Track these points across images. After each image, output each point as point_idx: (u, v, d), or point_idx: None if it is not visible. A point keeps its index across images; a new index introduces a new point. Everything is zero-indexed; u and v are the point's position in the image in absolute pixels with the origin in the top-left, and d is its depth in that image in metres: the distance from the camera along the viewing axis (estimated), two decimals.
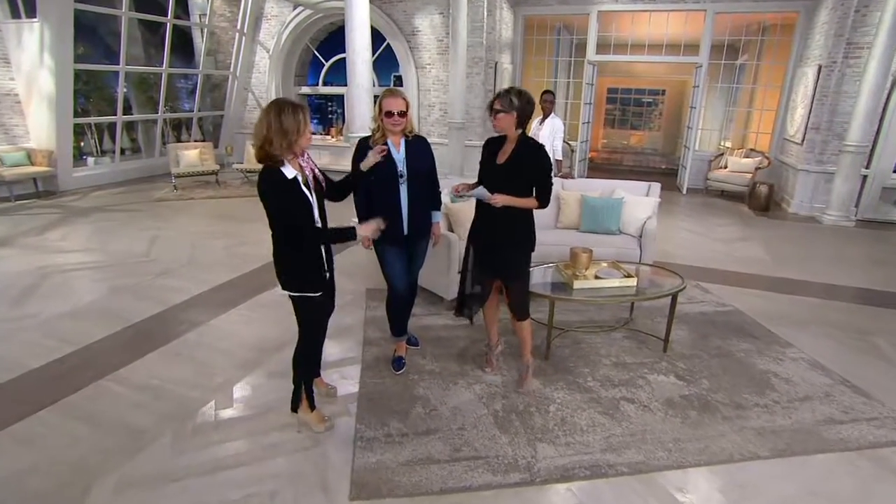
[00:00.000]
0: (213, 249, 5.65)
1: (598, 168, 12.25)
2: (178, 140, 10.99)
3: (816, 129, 7.63)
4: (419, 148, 3.07)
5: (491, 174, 2.88)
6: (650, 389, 3.16)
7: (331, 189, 2.63)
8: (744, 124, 10.45)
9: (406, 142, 3.02)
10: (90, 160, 9.53)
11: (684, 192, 9.29)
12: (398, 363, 3.36)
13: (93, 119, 10.10)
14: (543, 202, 2.86)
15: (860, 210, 7.57)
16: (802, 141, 7.85)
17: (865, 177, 7.44)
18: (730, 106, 11.08)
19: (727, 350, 3.64)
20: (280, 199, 2.34)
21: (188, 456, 2.54)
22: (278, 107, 2.27)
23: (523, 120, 2.77)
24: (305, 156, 2.48)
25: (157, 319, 3.98)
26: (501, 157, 2.86)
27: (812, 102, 7.62)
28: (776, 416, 2.92)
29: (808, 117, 7.69)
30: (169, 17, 9.54)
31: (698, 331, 3.91)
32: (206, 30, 10.96)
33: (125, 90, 9.84)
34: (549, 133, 5.36)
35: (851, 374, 3.35)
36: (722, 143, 10.93)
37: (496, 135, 2.95)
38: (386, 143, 2.92)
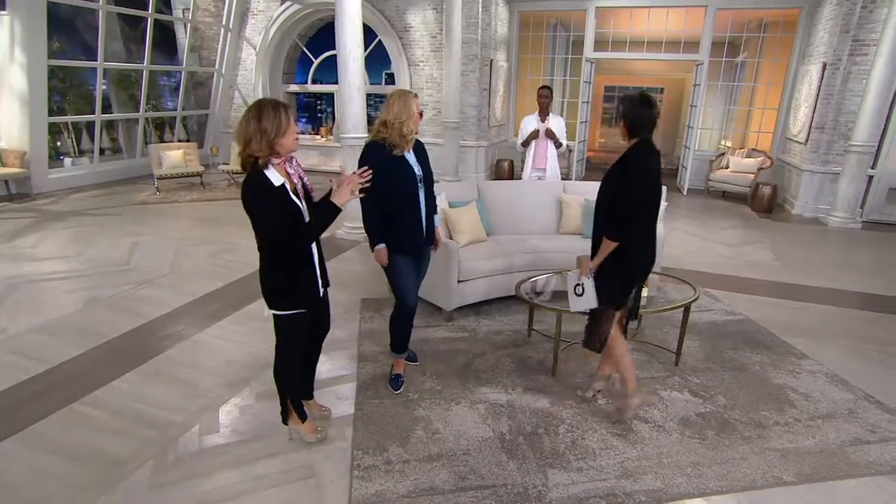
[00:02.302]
0: (198, 257, 5.39)
1: (596, 168, 12.09)
2: (161, 140, 10.65)
3: (821, 129, 7.52)
4: (424, 151, 2.99)
5: None
6: (664, 407, 2.99)
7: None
8: (744, 123, 10.35)
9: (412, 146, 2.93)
10: (67, 161, 9.19)
11: (685, 192, 9.16)
12: (396, 381, 3.15)
13: (69, 118, 9.74)
14: (609, 232, 2.55)
15: (866, 211, 7.47)
16: (806, 140, 7.73)
17: (871, 177, 7.34)
18: (730, 104, 10.98)
19: (741, 363, 3.48)
20: (267, 208, 2.14)
21: (169, 490, 2.32)
22: (258, 106, 2.13)
23: (636, 127, 2.53)
24: (294, 162, 2.29)
25: (136, 334, 3.73)
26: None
27: (816, 101, 7.51)
28: (798, 435, 2.76)
29: (813, 116, 7.58)
30: (150, 11, 9.21)
31: (709, 342, 3.75)
32: (189, 25, 10.63)
33: (104, 88, 9.49)
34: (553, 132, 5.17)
35: (874, 388, 3.20)
36: (722, 143, 10.84)
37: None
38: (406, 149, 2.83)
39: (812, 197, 7.74)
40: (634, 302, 2.84)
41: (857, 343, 3.81)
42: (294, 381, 2.58)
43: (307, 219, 2.27)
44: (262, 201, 2.13)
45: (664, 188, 4.71)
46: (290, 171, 2.26)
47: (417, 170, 2.87)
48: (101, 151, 9.58)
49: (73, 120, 9.73)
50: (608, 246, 2.57)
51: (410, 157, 2.87)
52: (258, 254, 2.31)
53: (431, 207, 3.00)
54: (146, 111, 10.03)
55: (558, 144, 5.25)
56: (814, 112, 7.56)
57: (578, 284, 2.71)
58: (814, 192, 7.72)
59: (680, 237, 6.30)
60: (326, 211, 2.25)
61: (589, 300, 2.69)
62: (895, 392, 3.17)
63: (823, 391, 3.17)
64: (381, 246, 2.85)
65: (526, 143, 5.35)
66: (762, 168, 8.43)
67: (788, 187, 8.35)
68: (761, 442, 2.70)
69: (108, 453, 2.53)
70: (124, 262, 5.20)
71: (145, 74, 9.59)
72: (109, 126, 10.38)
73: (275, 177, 2.15)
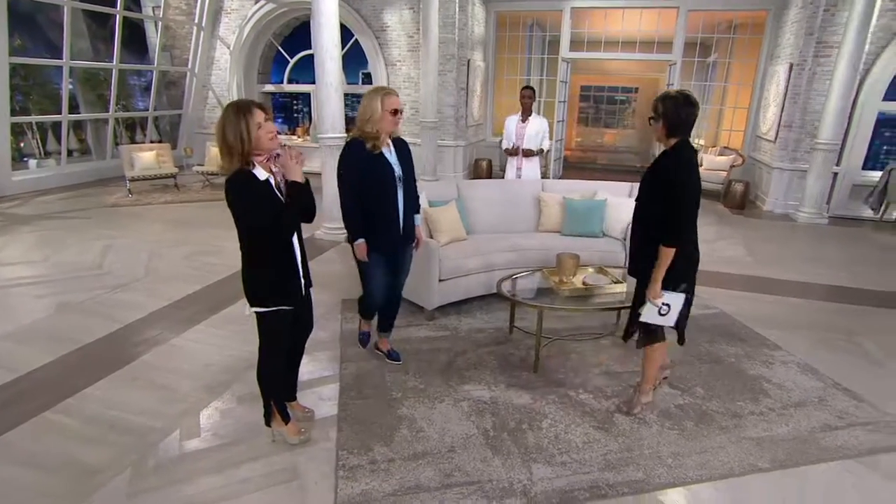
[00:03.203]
0: (174, 259, 5.27)
1: (573, 167, 12.26)
2: (133, 141, 10.40)
3: (789, 127, 7.76)
4: (406, 148, 3.01)
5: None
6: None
7: None
8: (716, 122, 10.61)
9: (393, 143, 2.95)
10: (32, 163, 8.89)
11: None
12: (363, 336, 3.50)
13: (34, 118, 9.42)
14: (666, 240, 2.47)
15: (832, 207, 7.73)
16: (775, 139, 7.97)
17: (836, 174, 7.60)
18: (703, 104, 11.22)
19: (717, 355, 3.57)
20: (250, 199, 2.13)
21: (150, 497, 2.27)
22: (222, 118, 2.10)
23: (677, 127, 2.49)
24: (280, 160, 2.27)
25: (111, 340, 3.63)
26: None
27: (784, 100, 7.74)
28: (772, 424, 2.85)
29: (781, 115, 7.82)
30: (118, 8, 8.96)
31: (686, 335, 3.82)
32: (160, 23, 10.38)
33: (71, 87, 9.20)
34: (535, 133, 5.22)
35: (841, 376, 3.32)
36: (696, 142, 11.09)
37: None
38: (379, 147, 2.86)
39: (782, 193, 7.98)
40: (685, 308, 2.72)
41: (825, 333, 3.94)
42: (277, 382, 2.55)
43: None
44: (246, 194, 2.12)
45: None
46: (275, 169, 2.24)
47: (397, 169, 2.89)
48: (69, 153, 9.29)
49: (38, 120, 9.41)
50: (667, 254, 2.48)
51: (391, 156, 2.89)
52: (239, 254, 2.29)
53: (411, 206, 3.02)
54: (116, 111, 9.76)
55: (539, 151, 5.30)
56: (782, 111, 7.80)
57: (665, 305, 2.60)
58: (783, 188, 7.96)
59: None
60: (293, 190, 2.21)
61: (675, 312, 2.64)
62: (861, 379, 3.30)
63: (795, 380, 3.28)
64: (361, 241, 2.90)
65: (509, 153, 5.38)
66: (734, 166, 8.66)
67: (759, 184, 8.59)
68: (738, 431, 2.77)
69: (82, 462, 2.46)
70: (96, 265, 5.06)
71: (115, 73, 9.32)
72: (77, 126, 10.07)
73: (259, 172, 2.15)
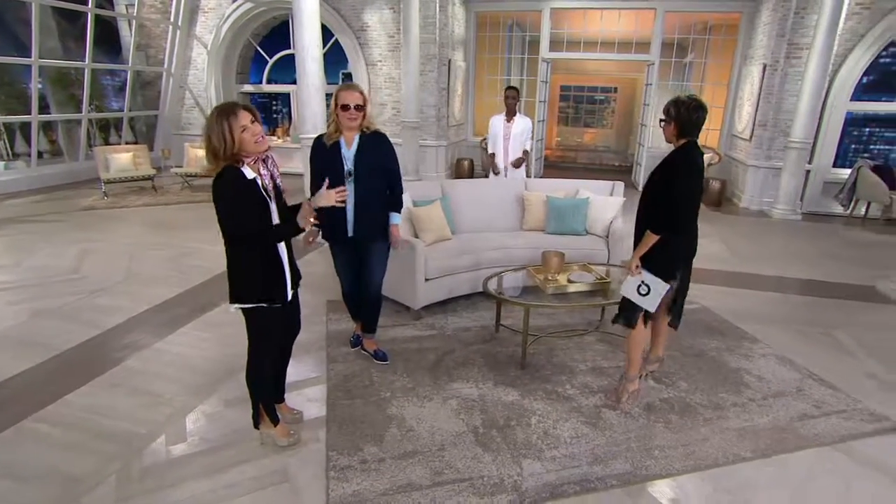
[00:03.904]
0: (154, 262, 5.17)
1: (554, 166, 12.38)
2: (107, 142, 10.16)
3: (763, 126, 7.97)
4: (375, 145, 2.95)
5: None
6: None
7: (285, 211, 2.37)
8: None
9: (360, 138, 2.91)
10: None
11: (639, 189, 9.47)
12: (355, 339, 3.52)
13: (1, 118, 9.12)
14: (654, 227, 2.66)
15: (805, 204, 7.97)
16: (750, 137, 8.18)
17: (809, 172, 7.84)
18: None
19: (699, 349, 3.65)
20: (236, 197, 2.12)
21: (137, 503, 2.23)
22: (208, 120, 2.11)
23: (687, 129, 2.65)
24: (270, 162, 2.28)
25: (90, 346, 3.55)
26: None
27: (758, 100, 7.95)
28: (753, 414, 2.93)
29: (755, 114, 8.03)
30: (90, 6, 8.74)
31: (669, 331, 3.91)
32: (134, 22, 10.16)
33: (40, 86, 8.94)
34: (520, 132, 5.26)
35: (817, 367, 3.43)
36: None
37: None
38: (338, 142, 2.90)
39: (757, 191, 8.19)
40: (678, 297, 2.93)
41: (801, 326, 4.06)
42: (267, 383, 2.54)
43: (275, 218, 2.27)
44: (231, 192, 2.11)
45: (622, 184, 4.92)
46: (263, 171, 2.23)
47: (349, 163, 2.89)
48: (40, 154, 9.03)
49: (5, 121, 9.13)
50: (650, 238, 2.68)
51: (347, 151, 2.90)
52: (223, 256, 2.26)
53: (379, 203, 3.03)
54: (89, 112, 9.52)
55: (524, 154, 5.35)
56: (756, 110, 8.01)
57: (642, 284, 2.75)
58: (759, 186, 8.17)
59: None
60: (289, 227, 2.26)
61: (656, 297, 2.75)
62: (835, 370, 3.41)
63: (774, 372, 3.37)
64: (310, 228, 2.94)
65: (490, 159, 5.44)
66: (711, 164, 8.84)
67: (736, 182, 8.80)
68: (721, 422, 2.85)
69: (64, 471, 2.40)
70: (72, 270, 4.93)
71: (87, 73, 9.09)
72: (47, 127, 9.80)
73: (247, 171, 2.15)
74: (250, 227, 2.16)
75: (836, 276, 5.27)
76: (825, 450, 2.66)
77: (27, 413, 2.79)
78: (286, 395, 2.83)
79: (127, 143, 9.71)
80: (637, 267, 2.77)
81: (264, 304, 2.30)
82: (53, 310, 4.06)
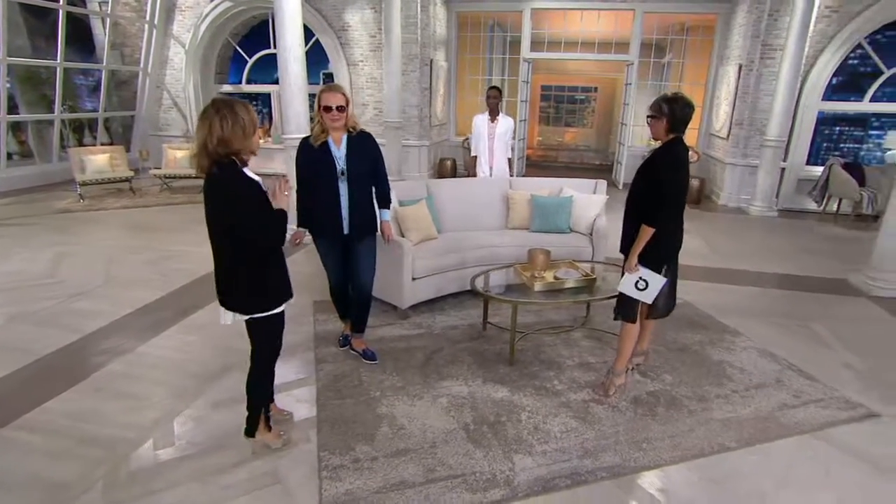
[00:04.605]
0: (135, 265, 5.07)
1: (535, 165, 12.47)
2: (81, 143, 9.90)
3: (740, 125, 8.16)
4: (362, 144, 3.02)
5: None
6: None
7: None
8: None
9: (348, 138, 2.98)
10: None
11: (620, 187, 9.61)
12: (343, 339, 3.53)
13: None
14: (649, 216, 2.73)
15: (780, 200, 8.19)
16: (728, 136, 8.37)
17: (784, 169, 8.06)
18: None
19: (683, 343, 3.73)
20: (253, 197, 2.10)
21: None
22: (229, 103, 2.08)
23: (677, 125, 2.75)
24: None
25: (71, 350, 3.47)
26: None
27: (735, 100, 8.14)
28: (736, 405, 3.00)
29: (732, 114, 8.22)
30: (61, 3, 8.50)
31: (654, 325, 3.98)
32: (108, 20, 9.92)
33: (9, 86, 8.67)
34: (504, 131, 5.30)
35: (796, 358, 3.54)
36: (651, 141, 11.47)
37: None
38: (326, 142, 2.94)
39: (735, 188, 8.38)
40: (670, 288, 3.02)
41: (780, 319, 4.18)
42: (270, 388, 2.54)
43: None
44: (249, 192, 2.09)
45: (604, 182, 4.99)
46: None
47: (341, 163, 2.95)
48: (9, 156, 8.75)
49: None
50: (646, 233, 2.75)
51: (337, 150, 2.95)
52: (205, 257, 2.26)
53: (369, 200, 3.09)
54: (62, 112, 9.27)
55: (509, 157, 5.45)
56: (733, 110, 8.20)
57: (640, 279, 2.83)
58: (736, 183, 8.36)
59: (620, 229, 6.60)
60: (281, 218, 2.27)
61: (654, 290, 2.84)
62: (813, 361, 3.52)
63: (755, 364, 3.47)
64: (298, 230, 3.06)
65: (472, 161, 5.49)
66: (691, 162, 8.96)
67: (714, 179, 8.99)
68: (705, 414, 2.91)
69: (48, 478, 2.34)
70: (48, 274, 4.80)
71: (59, 72, 8.85)
72: (16, 128, 9.51)
73: (251, 174, 2.14)
74: (275, 229, 2.16)
75: (811, 270, 5.44)
76: (805, 437, 2.74)
77: (7, 421, 2.72)
78: (276, 397, 2.80)
79: (103, 144, 9.48)
80: (636, 264, 2.83)
81: (279, 310, 2.32)
82: (30, 314, 3.96)
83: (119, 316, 3.94)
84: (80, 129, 10.39)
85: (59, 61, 8.77)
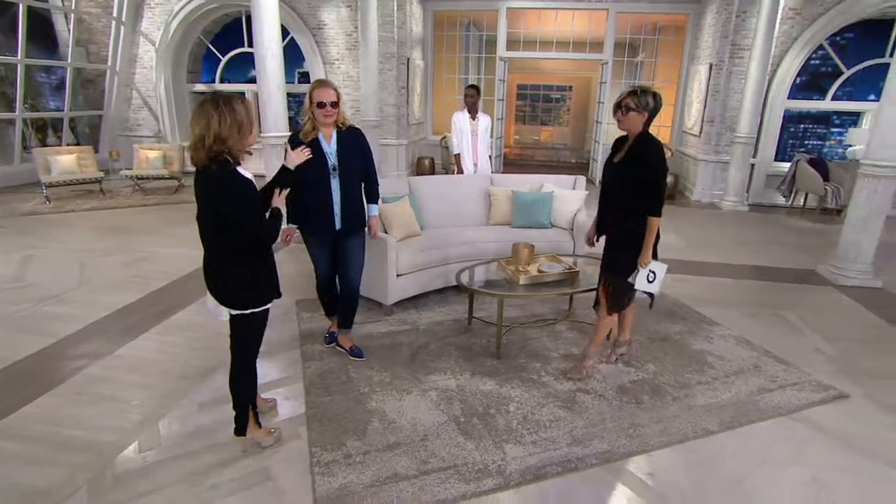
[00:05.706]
0: (109, 268, 4.92)
1: (512, 164, 12.58)
2: (44, 144, 9.57)
3: (711, 123, 8.40)
4: (352, 140, 3.04)
5: (608, 174, 3.03)
6: (602, 378, 3.22)
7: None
8: None
9: (338, 134, 3.00)
10: None
11: (596, 184, 9.78)
12: (329, 336, 3.52)
13: None
14: (653, 209, 2.81)
15: (751, 195, 8.47)
16: (700, 133, 8.61)
17: (753, 165, 8.32)
18: None
19: (664, 334, 3.82)
20: (247, 202, 2.10)
21: None
22: (229, 100, 2.06)
23: (652, 118, 2.83)
24: None
25: (45, 355, 3.36)
26: (618, 156, 2.93)
27: (706, 98, 8.38)
28: (717, 391, 3.10)
29: (704, 112, 8.46)
30: None
31: (635, 317, 4.07)
32: (72, 16, 9.60)
33: None
34: (485, 128, 5.35)
35: (771, 345, 3.66)
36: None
37: (622, 134, 2.99)
38: (317, 138, 2.94)
39: (708, 184, 8.63)
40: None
41: (754, 309, 4.32)
42: (254, 384, 2.50)
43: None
44: (242, 194, 2.09)
45: (583, 178, 5.07)
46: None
47: (332, 159, 2.96)
48: None
49: None
50: (655, 224, 2.83)
51: (328, 146, 2.95)
52: (213, 256, 2.21)
53: (353, 197, 3.08)
54: (23, 111, 8.92)
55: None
56: (704, 108, 8.44)
57: (651, 272, 2.94)
58: (709, 179, 8.61)
59: None
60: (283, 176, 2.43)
61: (660, 280, 2.98)
62: (786, 347, 3.66)
63: (733, 352, 3.58)
64: (287, 226, 3.00)
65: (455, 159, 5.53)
66: None
67: (687, 176, 9.22)
68: (688, 400, 3.00)
69: (28, 484, 2.27)
70: (16, 278, 4.63)
71: (20, 69, 8.52)
72: None
73: (244, 171, 2.13)
74: (270, 225, 2.18)
75: (781, 261, 5.64)
76: (783, 419, 2.85)
77: None
78: (259, 391, 2.78)
79: (69, 145, 9.17)
80: (650, 258, 2.92)
81: (267, 306, 2.31)
82: None
83: (95, 319, 3.83)
84: (44, 128, 10.03)
85: (20, 58, 8.44)
